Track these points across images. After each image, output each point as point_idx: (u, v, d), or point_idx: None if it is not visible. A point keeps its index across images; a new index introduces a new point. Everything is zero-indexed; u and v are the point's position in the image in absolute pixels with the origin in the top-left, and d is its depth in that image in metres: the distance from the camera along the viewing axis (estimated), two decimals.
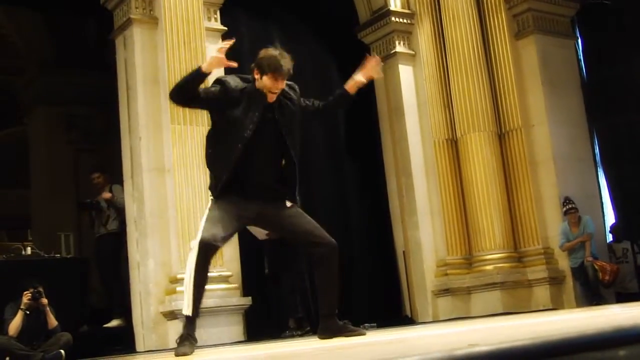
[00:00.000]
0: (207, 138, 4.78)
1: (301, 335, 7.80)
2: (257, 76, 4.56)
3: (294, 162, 4.69)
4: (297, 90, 4.82)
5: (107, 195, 9.14)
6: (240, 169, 4.55)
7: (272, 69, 4.50)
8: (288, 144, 4.65)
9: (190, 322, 4.58)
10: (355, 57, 10.44)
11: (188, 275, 4.52)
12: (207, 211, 4.66)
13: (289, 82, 4.74)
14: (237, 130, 4.52)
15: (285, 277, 8.24)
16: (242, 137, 4.49)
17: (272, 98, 4.58)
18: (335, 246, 4.74)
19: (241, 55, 9.20)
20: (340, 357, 2.64)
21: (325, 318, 4.78)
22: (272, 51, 4.62)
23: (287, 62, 4.57)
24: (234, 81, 4.64)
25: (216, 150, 4.66)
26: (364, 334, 4.80)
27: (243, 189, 4.60)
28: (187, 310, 4.53)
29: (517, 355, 2.18)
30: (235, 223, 4.67)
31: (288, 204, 4.75)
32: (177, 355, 4.44)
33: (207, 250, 4.47)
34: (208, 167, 4.82)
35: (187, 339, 4.52)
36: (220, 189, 4.60)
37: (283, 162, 4.72)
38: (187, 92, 4.66)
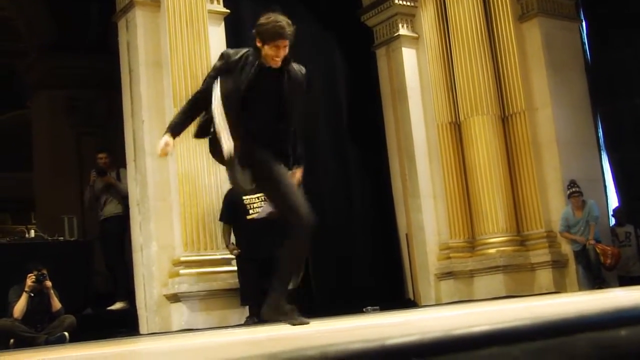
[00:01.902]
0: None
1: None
2: (258, 44, 4.49)
3: (291, 129, 4.61)
4: (305, 77, 4.72)
5: (110, 179, 9.12)
6: (244, 123, 4.44)
7: (273, 37, 4.43)
8: (287, 110, 4.57)
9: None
10: (359, 40, 10.52)
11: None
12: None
13: (303, 69, 4.68)
14: (235, 87, 4.46)
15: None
16: (237, 90, 4.44)
17: (276, 64, 4.50)
18: (312, 224, 4.48)
19: (244, 39, 9.24)
20: (341, 338, 2.65)
21: (276, 295, 4.43)
22: (273, 17, 4.51)
23: (287, 28, 4.47)
24: (234, 51, 4.61)
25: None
26: (307, 323, 4.44)
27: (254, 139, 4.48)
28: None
29: (515, 335, 2.18)
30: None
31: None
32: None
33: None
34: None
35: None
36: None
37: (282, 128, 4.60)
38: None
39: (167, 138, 4.51)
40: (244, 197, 7.71)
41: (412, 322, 4.00)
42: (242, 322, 7.67)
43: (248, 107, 4.46)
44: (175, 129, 4.57)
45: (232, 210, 7.78)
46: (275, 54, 4.46)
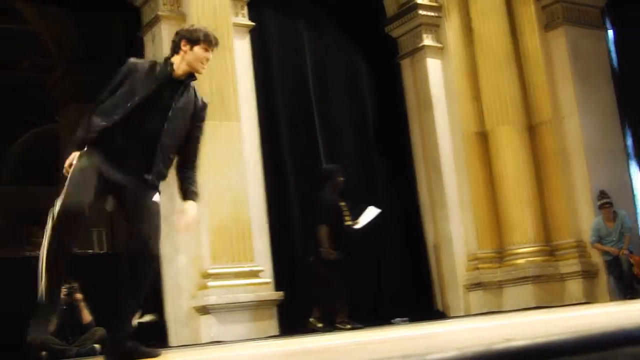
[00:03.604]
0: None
1: (351, 330, 7.79)
2: (184, 48, 4.36)
3: (164, 153, 4.28)
4: (205, 110, 4.52)
5: None
6: (120, 133, 4.20)
7: (205, 38, 4.38)
8: (165, 128, 4.26)
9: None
10: (383, 51, 10.52)
11: (43, 253, 4.01)
12: (75, 163, 4.16)
13: (204, 99, 4.53)
14: (129, 96, 4.25)
15: (318, 267, 8.29)
16: (132, 99, 4.22)
17: (202, 68, 4.38)
18: (153, 258, 4.31)
19: (268, 49, 9.30)
20: (376, 352, 2.64)
21: (120, 336, 4.18)
22: (197, 25, 4.55)
23: (214, 36, 4.45)
24: (140, 60, 4.48)
25: (104, 110, 4.27)
26: (158, 355, 4.32)
27: (112, 153, 4.19)
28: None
29: (554, 350, 2.17)
30: (99, 186, 4.16)
31: (156, 198, 4.32)
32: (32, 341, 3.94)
33: (72, 220, 4.04)
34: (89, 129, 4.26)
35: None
36: (93, 139, 4.17)
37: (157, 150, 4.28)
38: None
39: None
40: (340, 203, 8.25)
41: (444, 335, 3.98)
42: (274, 334, 7.67)
43: (134, 117, 4.24)
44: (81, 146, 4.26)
45: (334, 213, 8.16)
46: (204, 56, 4.37)
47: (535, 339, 2.17)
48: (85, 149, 4.21)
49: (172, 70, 4.36)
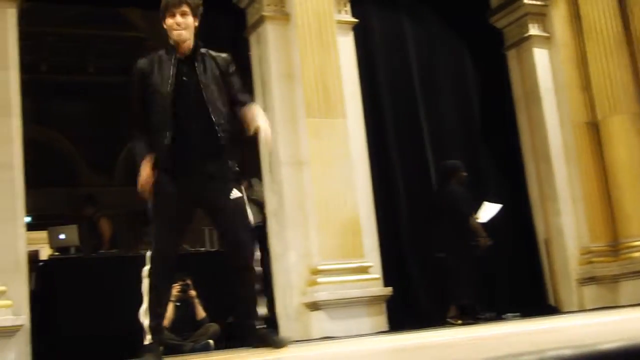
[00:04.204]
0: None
1: (462, 325, 7.73)
2: (165, 26, 4.42)
3: (216, 129, 4.34)
4: (231, 62, 4.62)
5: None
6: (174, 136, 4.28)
7: (166, 6, 4.38)
8: (207, 103, 4.34)
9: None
10: (488, 43, 10.36)
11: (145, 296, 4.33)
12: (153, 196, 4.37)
13: (223, 55, 4.60)
14: (158, 95, 4.32)
15: (451, 261, 8.28)
16: (163, 96, 4.29)
17: (178, 36, 4.35)
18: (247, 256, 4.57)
19: (372, 45, 9.29)
20: (505, 345, 2.60)
21: (254, 326, 4.54)
22: None
23: None
24: (144, 59, 4.50)
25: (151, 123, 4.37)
26: (287, 345, 4.53)
27: (178, 163, 4.33)
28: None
29: None
30: (183, 213, 4.43)
31: (236, 194, 4.48)
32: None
33: (163, 265, 4.34)
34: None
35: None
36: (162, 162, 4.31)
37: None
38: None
39: (147, 168, 4.31)
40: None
41: (578, 329, 3.89)
42: (384, 330, 7.67)
43: (176, 108, 4.31)
44: (144, 154, 4.41)
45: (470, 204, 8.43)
46: (174, 22, 4.34)
47: None
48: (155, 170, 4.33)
49: (177, 51, 4.40)
